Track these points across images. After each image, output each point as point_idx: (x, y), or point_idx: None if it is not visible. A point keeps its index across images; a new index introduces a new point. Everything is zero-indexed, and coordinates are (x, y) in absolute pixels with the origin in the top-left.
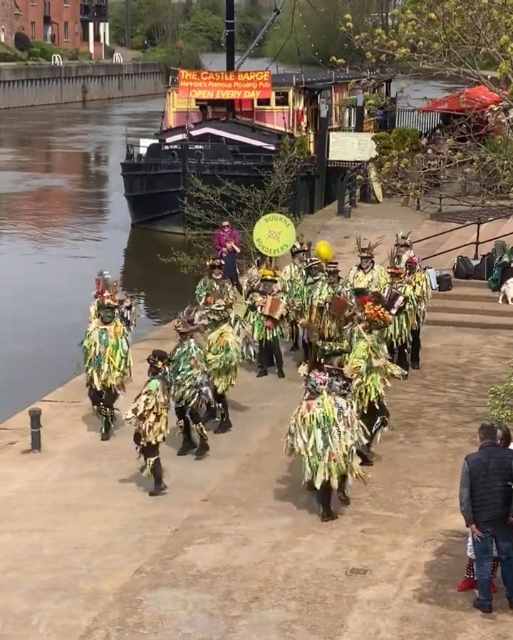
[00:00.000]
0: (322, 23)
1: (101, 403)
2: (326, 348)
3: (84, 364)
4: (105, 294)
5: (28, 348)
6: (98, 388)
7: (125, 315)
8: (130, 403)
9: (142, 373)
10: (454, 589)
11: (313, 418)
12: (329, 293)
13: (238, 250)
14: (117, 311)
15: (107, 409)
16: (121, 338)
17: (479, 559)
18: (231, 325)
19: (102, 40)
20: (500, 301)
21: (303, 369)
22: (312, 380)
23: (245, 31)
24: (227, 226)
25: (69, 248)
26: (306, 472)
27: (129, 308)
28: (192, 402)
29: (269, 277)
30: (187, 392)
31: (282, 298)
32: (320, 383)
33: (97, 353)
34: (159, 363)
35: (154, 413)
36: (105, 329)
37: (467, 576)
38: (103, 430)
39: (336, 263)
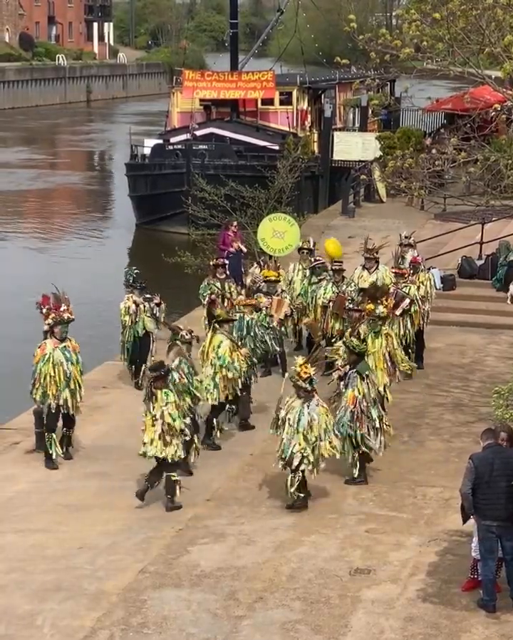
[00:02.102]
0: (326, 23)
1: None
2: (358, 347)
3: (39, 389)
4: (61, 309)
5: (31, 347)
6: (71, 412)
7: (155, 312)
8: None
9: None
10: (458, 589)
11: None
12: (333, 292)
13: (245, 250)
14: (146, 307)
15: (70, 431)
16: (78, 354)
17: (483, 558)
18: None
19: (106, 40)
20: (508, 302)
21: (308, 369)
22: (315, 380)
23: (249, 30)
24: (235, 226)
25: (74, 248)
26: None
27: (158, 305)
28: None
29: (272, 278)
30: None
31: (286, 297)
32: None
33: (67, 373)
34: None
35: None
36: (65, 347)
37: (471, 576)
38: (55, 456)
39: (341, 262)
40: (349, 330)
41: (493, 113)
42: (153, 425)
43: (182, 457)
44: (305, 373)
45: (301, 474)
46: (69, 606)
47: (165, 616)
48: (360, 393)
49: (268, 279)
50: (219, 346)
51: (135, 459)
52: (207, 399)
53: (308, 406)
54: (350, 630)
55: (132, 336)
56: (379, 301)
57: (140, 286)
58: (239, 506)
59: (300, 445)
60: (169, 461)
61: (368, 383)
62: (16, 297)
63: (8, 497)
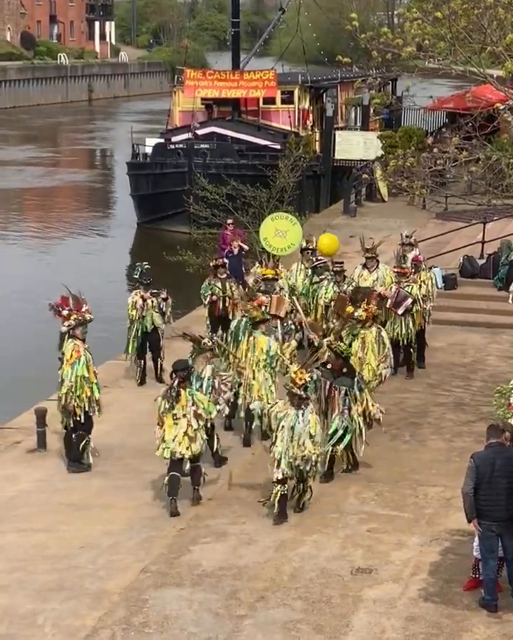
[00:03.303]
0: (328, 22)
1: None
2: (346, 351)
3: (76, 392)
4: (83, 310)
5: (33, 346)
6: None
7: (162, 307)
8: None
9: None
10: (460, 589)
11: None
12: (334, 292)
13: (246, 247)
14: (154, 302)
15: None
16: None
17: (484, 558)
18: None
19: (107, 39)
20: (510, 301)
21: (303, 375)
22: (310, 387)
23: (250, 29)
24: (231, 224)
25: (75, 247)
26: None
27: (165, 299)
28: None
29: (270, 276)
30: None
31: (285, 295)
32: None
33: (96, 374)
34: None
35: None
36: (88, 348)
37: (473, 576)
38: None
39: (342, 262)
40: (333, 333)
41: (493, 111)
42: (176, 424)
43: (202, 452)
44: (300, 379)
45: (309, 488)
46: (71, 605)
47: (167, 616)
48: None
49: (265, 277)
50: (269, 348)
51: (137, 458)
52: (268, 400)
53: (302, 414)
54: (352, 629)
55: (139, 331)
56: (359, 305)
57: (145, 281)
58: (240, 505)
59: (293, 453)
60: (194, 456)
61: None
62: (14, 297)
63: (10, 496)
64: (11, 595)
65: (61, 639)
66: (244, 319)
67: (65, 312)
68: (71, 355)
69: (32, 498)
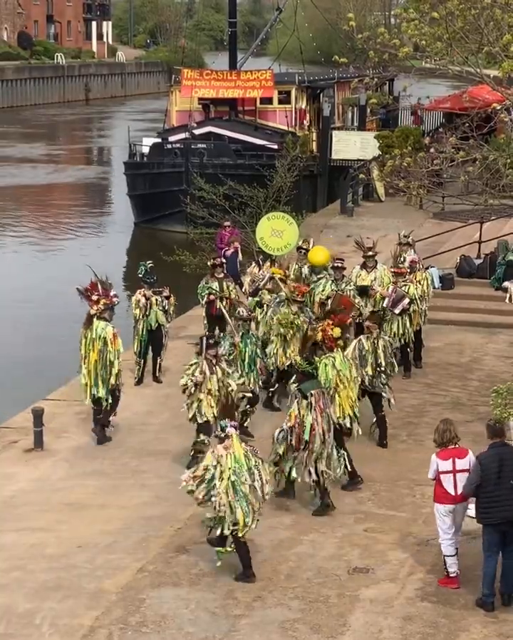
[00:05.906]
0: (325, 22)
1: None
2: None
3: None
4: (111, 294)
5: (31, 346)
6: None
7: (164, 305)
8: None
9: None
10: (456, 588)
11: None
12: (332, 290)
13: (239, 257)
14: (158, 300)
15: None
16: None
17: (485, 552)
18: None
19: (105, 39)
20: (507, 301)
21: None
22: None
23: (248, 29)
24: (228, 225)
25: (72, 247)
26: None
27: (168, 297)
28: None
29: (278, 275)
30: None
31: None
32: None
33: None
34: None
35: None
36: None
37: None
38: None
39: (342, 260)
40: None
41: (490, 111)
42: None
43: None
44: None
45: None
46: (68, 604)
47: (164, 615)
48: (300, 415)
49: (274, 276)
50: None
51: (134, 458)
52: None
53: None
54: (349, 629)
55: (144, 329)
56: (317, 326)
57: (149, 280)
58: None
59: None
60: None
61: (311, 404)
62: (10, 296)
63: (8, 495)
64: (9, 594)
65: (59, 639)
66: (281, 296)
67: (94, 297)
68: (114, 336)
69: (30, 497)
